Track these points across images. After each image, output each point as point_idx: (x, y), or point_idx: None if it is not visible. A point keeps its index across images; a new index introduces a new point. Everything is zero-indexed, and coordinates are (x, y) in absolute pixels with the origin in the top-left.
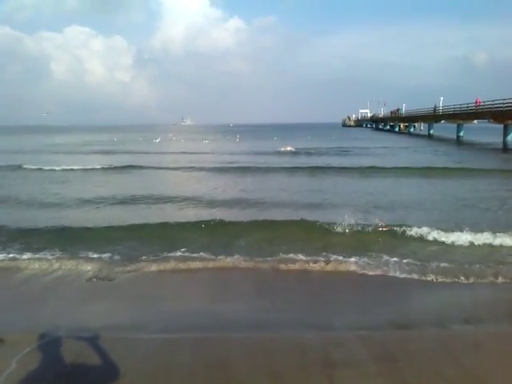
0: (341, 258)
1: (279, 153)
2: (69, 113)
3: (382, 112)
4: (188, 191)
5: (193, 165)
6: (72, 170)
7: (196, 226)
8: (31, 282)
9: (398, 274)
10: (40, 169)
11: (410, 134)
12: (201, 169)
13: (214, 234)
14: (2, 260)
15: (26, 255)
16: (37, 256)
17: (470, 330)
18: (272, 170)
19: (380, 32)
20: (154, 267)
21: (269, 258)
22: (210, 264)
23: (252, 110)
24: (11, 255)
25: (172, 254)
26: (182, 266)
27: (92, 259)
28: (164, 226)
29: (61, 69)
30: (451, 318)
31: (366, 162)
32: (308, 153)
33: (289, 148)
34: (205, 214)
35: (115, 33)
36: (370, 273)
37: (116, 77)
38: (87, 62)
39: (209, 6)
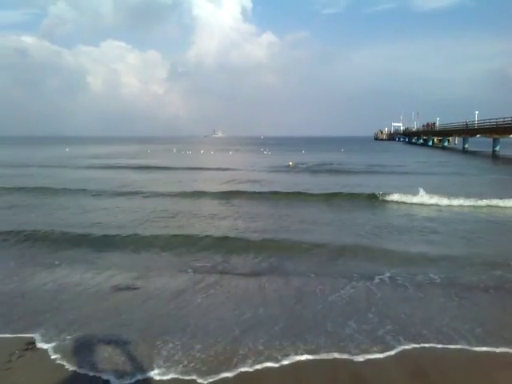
0: None
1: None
2: (105, 124)
3: (415, 126)
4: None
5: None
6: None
7: None
8: None
9: None
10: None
11: (443, 148)
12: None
13: None
14: None
15: None
16: None
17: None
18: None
19: (414, 45)
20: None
21: None
22: None
23: (283, 122)
24: None
25: None
26: None
27: None
28: None
29: (97, 81)
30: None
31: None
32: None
33: (290, 163)
34: None
35: (150, 47)
36: None
37: (150, 89)
38: (123, 75)
39: (242, 22)
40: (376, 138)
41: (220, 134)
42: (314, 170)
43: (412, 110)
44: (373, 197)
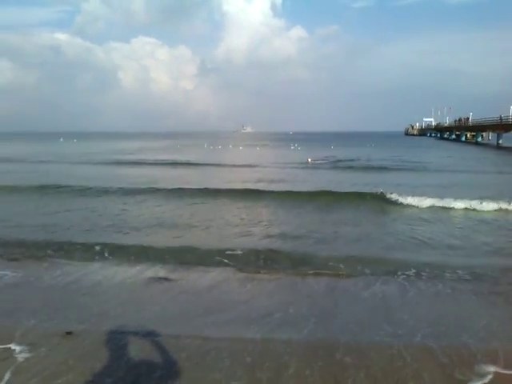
0: None
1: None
2: (135, 120)
3: (447, 121)
4: None
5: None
6: None
7: None
8: None
9: None
10: None
11: (477, 143)
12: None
13: None
14: None
15: None
16: None
17: None
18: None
19: (446, 39)
20: None
21: None
22: None
23: (312, 117)
24: None
25: None
26: None
27: None
28: None
29: (128, 78)
30: None
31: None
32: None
33: (308, 159)
34: None
35: (180, 43)
36: None
37: (180, 85)
38: (153, 71)
39: (271, 17)
40: (407, 134)
41: (249, 130)
42: (338, 166)
43: (444, 105)
44: (380, 198)
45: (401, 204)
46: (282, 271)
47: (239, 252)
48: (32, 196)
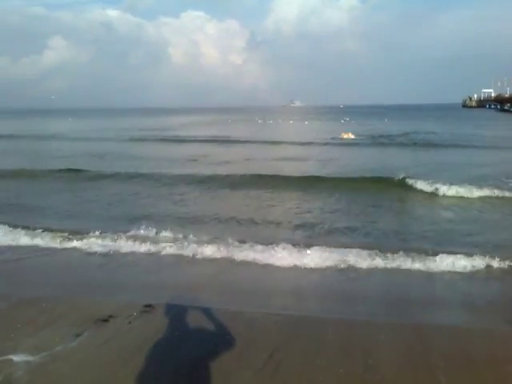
0: None
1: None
2: (184, 95)
3: (508, 92)
4: None
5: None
6: None
7: None
8: None
9: None
10: None
11: None
12: None
13: None
14: None
15: None
16: None
17: None
18: None
19: (508, 3)
20: None
21: None
22: None
23: (364, 90)
24: None
25: None
26: None
27: None
28: None
29: (178, 53)
30: None
31: None
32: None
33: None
34: None
35: (229, 16)
36: None
37: (229, 59)
38: (202, 45)
39: None
40: (464, 106)
41: (298, 104)
42: (378, 143)
43: (505, 76)
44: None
45: (422, 191)
46: None
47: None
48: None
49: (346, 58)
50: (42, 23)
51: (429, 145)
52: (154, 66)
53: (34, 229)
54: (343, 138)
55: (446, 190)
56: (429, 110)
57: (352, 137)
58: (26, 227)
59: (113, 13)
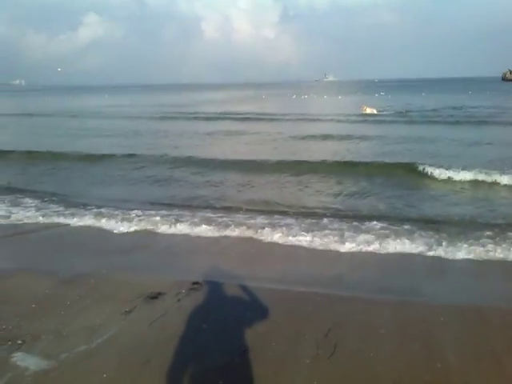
0: None
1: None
2: (217, 71)
3: None
4: None
5: None
6: None
7: None
8: None
9: None
10: None
11: None
12: None
13: None
14: None
15: None
16: None
17: None
18: None
19: None
20: None
21: None
22: None
23: (400, 64)
24: None
25: None
26: None
27: None
28: None
29: (210, 28)
30: None
31: None
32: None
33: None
34: None
35: None
36: None
37: (261, 34)
38: (235, 20)
39: None
40: (504, 79)
41: (331, 78)
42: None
43: None
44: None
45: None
46: None
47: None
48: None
49: (380, 30)
50: None
51: (475, 121)
52: (187, 41)
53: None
54: (366, 114)
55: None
56: (467, 83)
57: (375, 112)
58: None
59: None
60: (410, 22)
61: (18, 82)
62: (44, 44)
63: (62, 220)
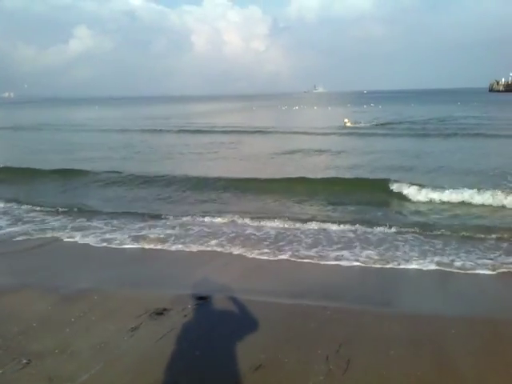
0: None
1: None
2: (208, 83)
3: None
4: None
5: None
6: None
7: None
8: None
9: None
10: None
11: None
12: None
13: None
14: None
15: None
16: None
17: None
18: None
19: None
20: None
21: None
22: None
23: (388, 75)
24: None
25: None
26: None
27: None
28: None
29: (200, 41)
30: None
31: None
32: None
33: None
34: None
35: (251, 3)
36: None
37: (251, 47)
38: (225, 33)
39: None
40: (491, 90)
41: (321, 90)
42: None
43: None
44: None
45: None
46: None
47: None
48: None
49: (369, 42)
50: (67, 12)
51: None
52: (177, 54)
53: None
54: (347, 125)
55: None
56: (454, 94)
57: (356, 125)
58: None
59: (136, 1)
60: (398, 34)
61: (6, 94)
62: (34, 56)
63: (58, 234)
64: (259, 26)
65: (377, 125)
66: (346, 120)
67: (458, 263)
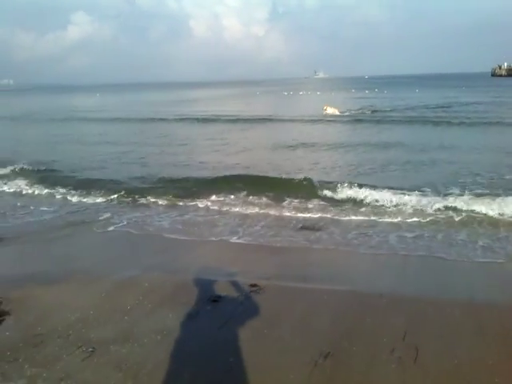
0: None
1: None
2: (207, 69)
3: None
4: None
5: None
6: None
7: None
8: None
9: None
10: None
11: None
12: None
13: None
14: None
15: None
16: None
17: None
18: None
19: None
20: None
21: None
22: None
23: (389, 60)
24: None
25: None
26: None
27: None
28: None
29: (199, 26)
30: None
31: None
32: None
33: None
34: None
35: None
36: None
37: (251, 32)
38: (223, 18)
39: None
40: (493, 75)
41: (321, 75)
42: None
43: None
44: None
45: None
46: None
47: None
48: None
49: (370, 27)
50: None
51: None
52: (176, 39)
53: None
54: (326, 113)
55: None
56: (457, 79)
57: (337, 112)
58: None
59: None
60: (399, 19)
61: (6, 81)
62: (33, 43)
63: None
64: (259, 11)
65: (373, 112)
66: (325, 107)
67: None
